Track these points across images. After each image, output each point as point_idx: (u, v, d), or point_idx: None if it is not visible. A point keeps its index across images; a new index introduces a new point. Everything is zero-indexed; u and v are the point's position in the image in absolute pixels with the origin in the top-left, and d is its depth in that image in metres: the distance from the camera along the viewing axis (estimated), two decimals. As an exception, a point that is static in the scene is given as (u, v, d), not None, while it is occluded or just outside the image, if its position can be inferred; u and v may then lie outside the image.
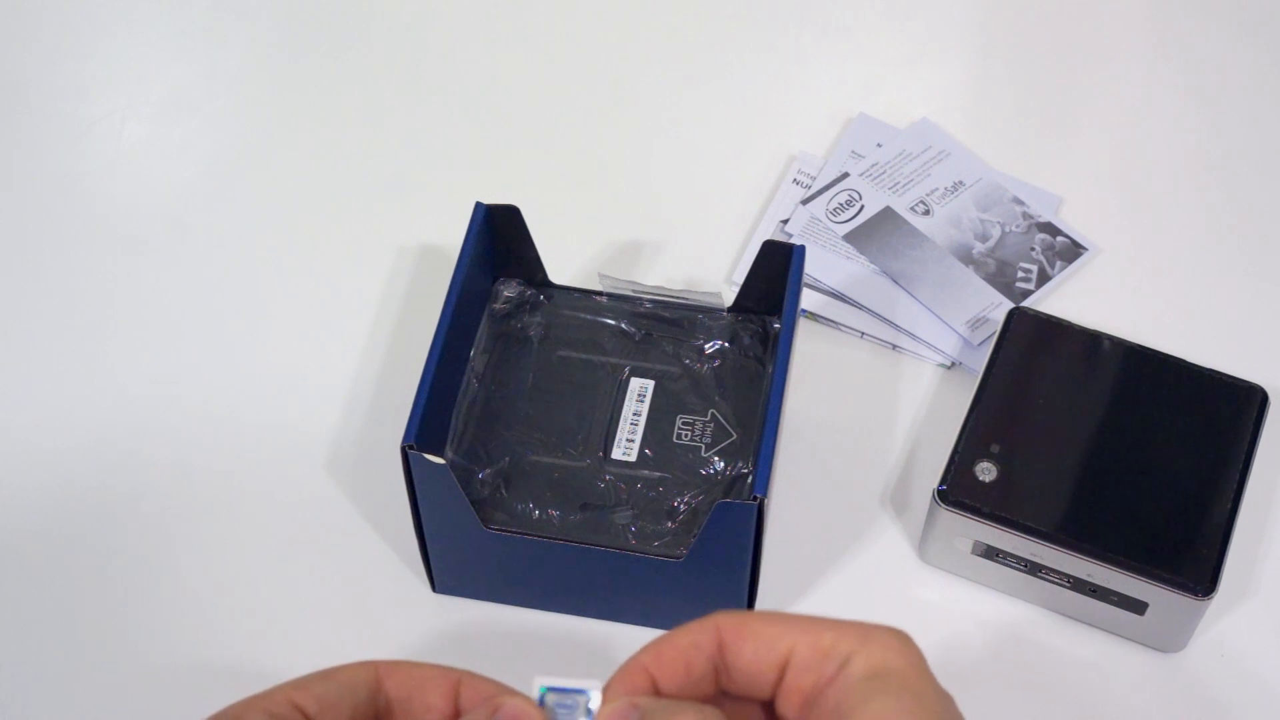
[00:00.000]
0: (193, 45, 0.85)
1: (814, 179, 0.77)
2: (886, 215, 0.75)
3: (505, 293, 0.65)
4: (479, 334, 0.64)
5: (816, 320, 0.72)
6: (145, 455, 0.67)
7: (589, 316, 0.65)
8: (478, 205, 0.63)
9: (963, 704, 0.60)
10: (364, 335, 0.71)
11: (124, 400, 0.69)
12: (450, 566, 0.61)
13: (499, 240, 0.64)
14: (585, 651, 0.61)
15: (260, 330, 0.72)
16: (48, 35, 0.84)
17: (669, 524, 0.59)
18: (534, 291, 0.66)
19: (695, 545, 0.55)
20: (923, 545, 0.64)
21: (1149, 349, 0.66)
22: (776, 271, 0.62)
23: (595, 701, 0.40)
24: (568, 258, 0.70)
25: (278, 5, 0.86)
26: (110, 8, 0.86)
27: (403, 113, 0.81)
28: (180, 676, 0.61)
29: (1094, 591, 0.60)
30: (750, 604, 0.60)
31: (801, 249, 0.62)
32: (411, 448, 0.55)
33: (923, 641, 0.63)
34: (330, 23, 0.86)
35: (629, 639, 0.61)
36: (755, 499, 0.54)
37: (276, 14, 0.86)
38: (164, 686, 0.61)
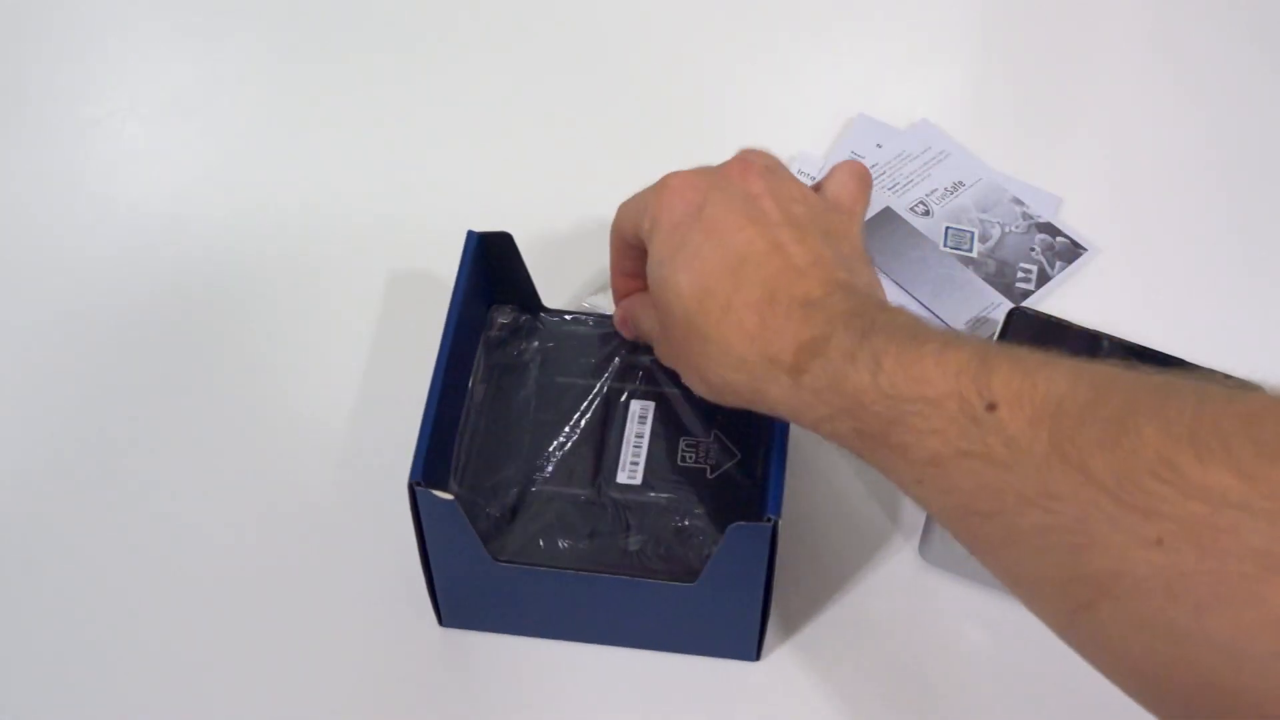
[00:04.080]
0: (193, 46, 0.85)
1: (814, 179, 0.77)
2: (886, 215, 0.75)
3: (500, 319, 0.65)
4: (475, 363, 0.63)
5: (816, 320, 0.72)
6: (145, 464, 0.67)
7: (585, 341, 0.65)
8: (470, 234, 0.62)
9: (963, 703, 0.60)
10: (365, 342, 0.71)
11: (125, 398, 0.69)
12: (458, 600, 0.60)
13: (492, 267, 0.63)
14: (599, 679, 0.60)
15: (260, 332, 0.72)
16: (48, 36, 0.85)
17: (679, 547, 0.58)
18: (528, 318, 0.65)
19: (709, 568, 0.55)
20: (923, 544, 0.64)
21: (1149, 349, 0.65)
22: None
23: None
24: (562, 279, 0.70)
25: (278, 7, 0.86)
26: (110, 8, 0.86)
27: (401, 112, 0.81)
28: (180, 705, 0.60)
29: (1094, 591, 0.60)
30: (764, 619, 0.59)
31: None
32: (419, 484, 0.54)
33: (923, 640, 0.63)
34: (330, 24, 0.86)
35: (643, 665, 0.61)
36: (769, 520, 0.53)
37: (276, 16, 0.86)
38: (162, 712, 0.60)
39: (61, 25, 0.85)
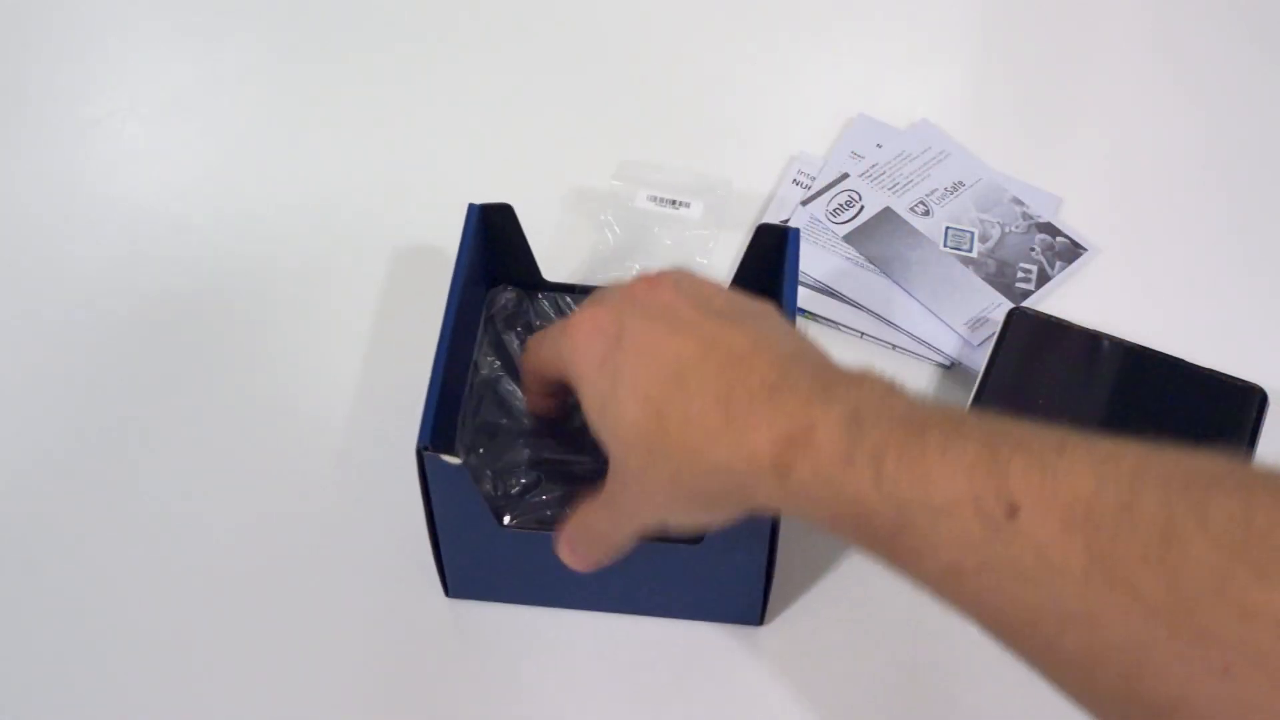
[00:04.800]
0: (193, 46, 0.85)
1: (814, 179, 0.77)
2: (886, 216, 0.75)
3: (501, 298, 0.65)
4: (479, 333, 0.64)
5: (816, 320, 0.72)
6: (149, 456, 0.67)
7: None
8: (471, 207, 0.63)
9: (967, 669, 0.60)
10: (366, 335, 0.71)
11: (129, 387, 0.69)
12: (464, 569, 0.61)
13: (493, 239, 0.64)
14: (604, 646, 0.61)
15: (262, 330, 0.72)
16: (49, 36, 0.85)
17: None
18: (529, 295, 0.65)
19: (714, 531, 0.55)
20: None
21: (1149, 349, 0.66)
22: (772, 258, 0.62)
23: None
24: (563, 256, 0.70)
25: (278, 7, 0.86)
26: (110, 8, 0.86)
27: (401, 112, 0.81)
28: (191, 683, 0.60)
29: (1094, 591, 0.60)
30: (768, 583, 0.59)
31: (796, 232, 0.61)
32: (427, 449, 0.54)
33: (926, 635, 0.63)
34: (330, 24, 0.86)
35: (648, 631, 0.61)
36: None
37: (276, 16, 0.86)
38: (173, 692, 0.60)
39: (61, 25, 0.85)
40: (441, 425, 0.57)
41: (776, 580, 0.60)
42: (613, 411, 0.49)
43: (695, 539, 0.56)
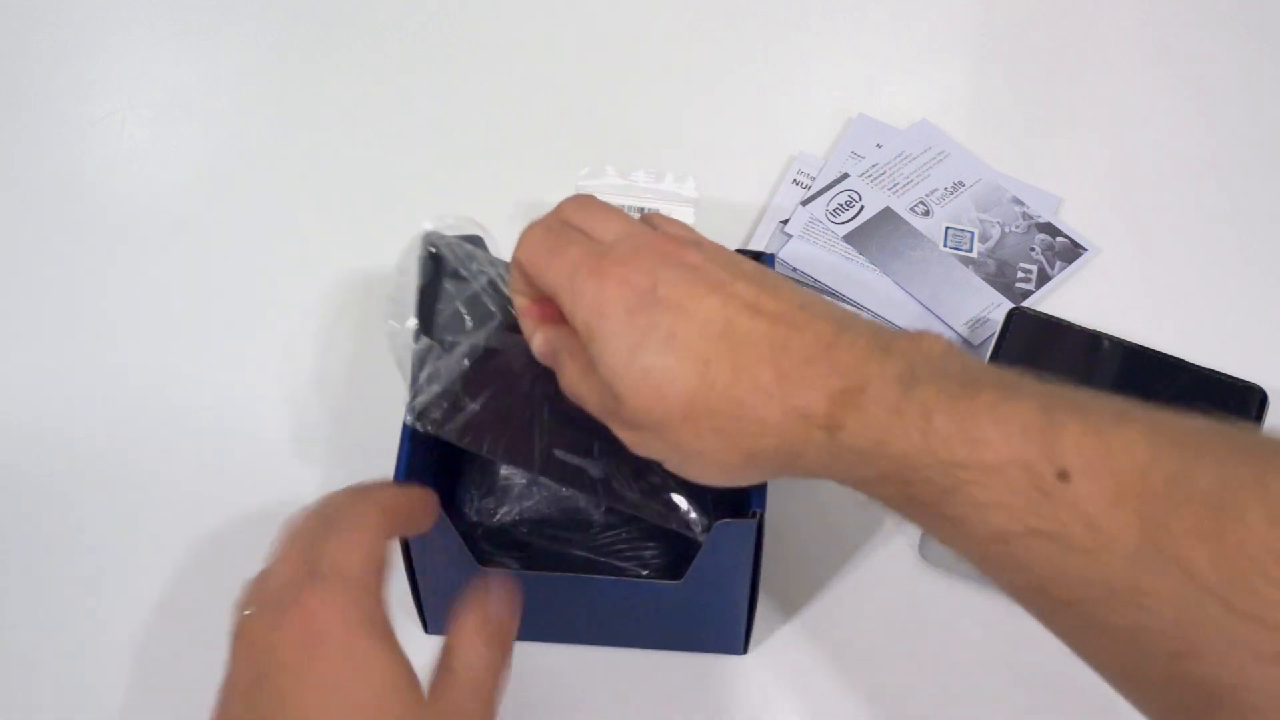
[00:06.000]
0: (193, 46, 0.85)
1: (814, 179, 0.77)
2: (886, 216, 0.75)
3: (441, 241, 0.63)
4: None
5: (816, 320, 0.72)
6: (140, 462, 0.67)
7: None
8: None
9: (964, 703, 0.60)
10: (350, 351, 0.71)
11: (120, 401, 0.69)
12: (443, 607, 0.59)
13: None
14: (586, 679, 0.61)
15: (257, 336, 0.72)
16: (49, 35, 0.85)
17: (664, 540, 0.58)
18: (468, 243, 0.62)
19: (695, 565, 0.55)
20: (923, 544, 0.64)
21: (1149, 349, 0.65)
22: None
23: None
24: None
25: (278, 8, 0.86)
26: (110, 8, 0.86)
27: (400, 114, 0.81)
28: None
29: (1094, 591, 0.60)
30: (750, 614, 0.59)
31: (771, 258, 0.61)
32: None
33: (923, 640, 0.63)
34: (330, 25, 0.86)
35: (630, 663, 0.61)
36: (754, 514, 0.53)
37: (277, 16, 0.86)
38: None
39: (61, 25, 0.85)
40: (417, 465, 0.55)
41: (759, 609, 0.60)
42: (650, 362, 0.46)
43: (676, 574, 0.56)
